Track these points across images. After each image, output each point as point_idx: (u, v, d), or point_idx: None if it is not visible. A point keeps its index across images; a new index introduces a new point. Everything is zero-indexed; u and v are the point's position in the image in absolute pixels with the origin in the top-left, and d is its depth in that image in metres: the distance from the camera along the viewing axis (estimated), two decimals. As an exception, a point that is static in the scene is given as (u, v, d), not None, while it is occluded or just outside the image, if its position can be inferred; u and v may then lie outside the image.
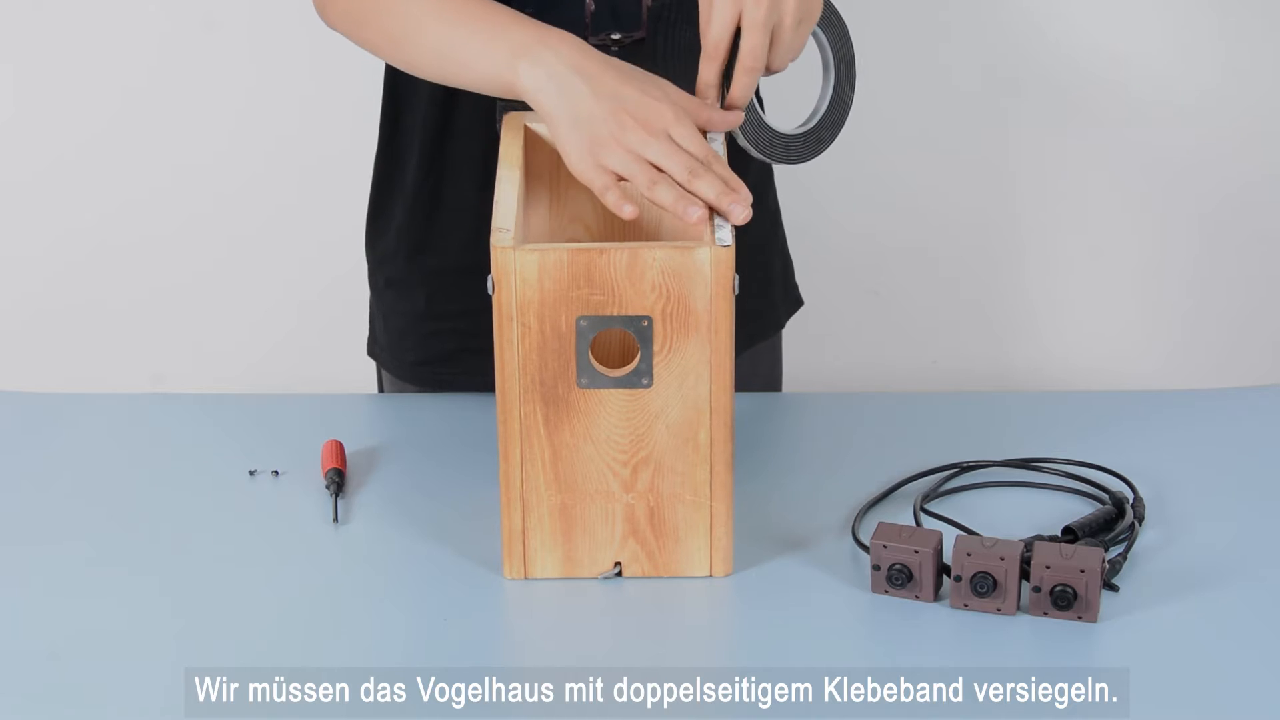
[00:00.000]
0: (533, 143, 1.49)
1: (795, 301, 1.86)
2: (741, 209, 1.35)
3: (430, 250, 1.72)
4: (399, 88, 1.69)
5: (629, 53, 1.58)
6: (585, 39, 1.56)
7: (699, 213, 1.34)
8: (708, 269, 1.31)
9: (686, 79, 1.55)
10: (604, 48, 1.57)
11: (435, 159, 1.68)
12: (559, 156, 1.51)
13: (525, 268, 1.31)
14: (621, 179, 1.37)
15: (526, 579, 1.41)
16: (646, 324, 1.33)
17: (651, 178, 1.36)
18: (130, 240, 2.73)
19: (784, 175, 1.83)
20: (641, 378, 1.34)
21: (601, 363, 1.36)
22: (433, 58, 1.47)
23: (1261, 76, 2.62)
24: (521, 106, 1.50)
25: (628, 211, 1.35)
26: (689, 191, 1.36)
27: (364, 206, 1.79)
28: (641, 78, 1.40)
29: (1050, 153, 2.68)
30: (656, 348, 1.34)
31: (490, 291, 1.32)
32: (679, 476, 1.38)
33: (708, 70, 1.43)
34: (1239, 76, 2.62)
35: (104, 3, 2.62)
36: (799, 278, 1.88)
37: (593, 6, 1.59)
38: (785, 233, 1.85)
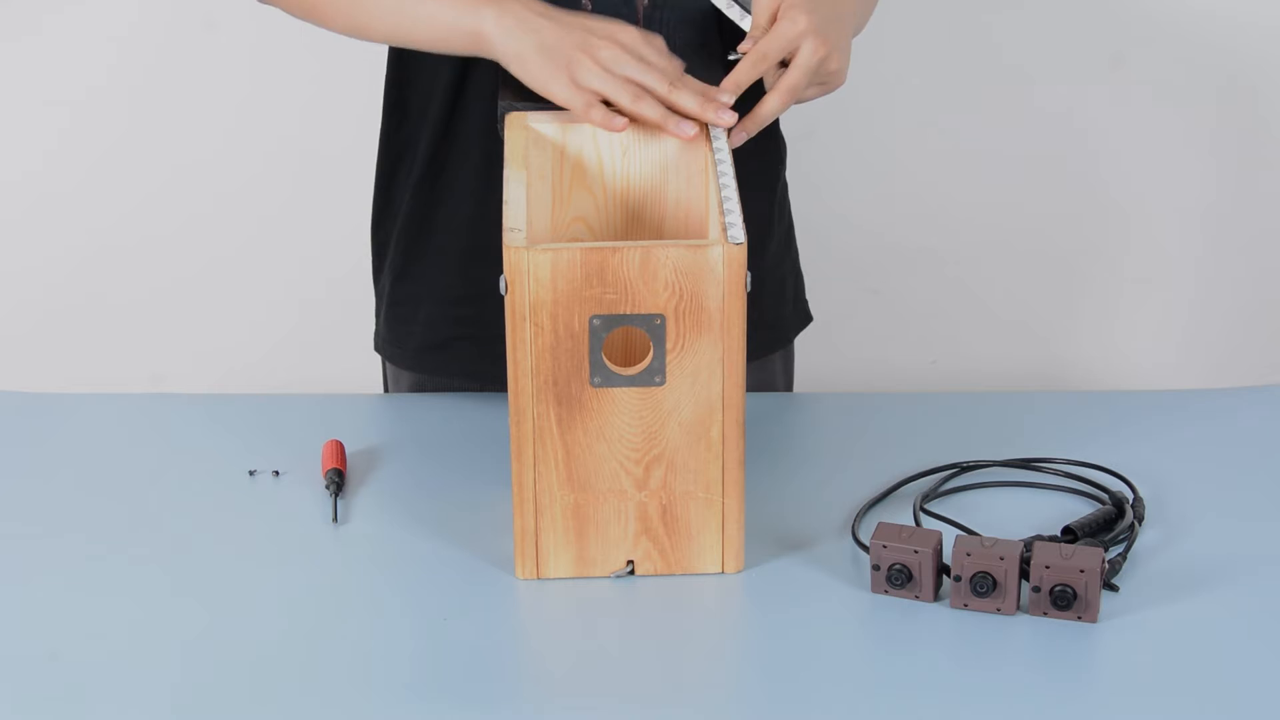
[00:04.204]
0: (535, 143, 1.50)
1: (805, 317, 1.87)
2: (727, 114, 1.44)
3: (432, 235, 1.72)
4: (406, 75, 1.70)
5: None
6: None
7: (692, 129, 1.44)
8: (720, 267, 1.32)
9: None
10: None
11: (441, 142, 1.68)
12: (561, 155, 1.51)
13: (538, 268, 1.31)
14: (604, 101, 1.44)
15: (539, 579, 1.41)
16: (659, 322, 1.33)
17: (633, 93, 1.43)
18: (130, 240, 2.73)
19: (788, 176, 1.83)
20: (654, 376, 1.35)
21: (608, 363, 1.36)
22: (390, 15, 1.52)
23: (1264, 75, 2.62)
24: (521, 106, 1.51)
25: (619, 124, 1.43)
26: (671, 106, 1.44)
27: (365, 205, 1.79)
28: (602, 17, 1.47)
29: (1052, 153, 2.68)
30: (669, 346, 1.34)
31: (503, 292, 1.32)
32: (691, 474, 1.38)
33: (747, 74, 1.49)
34: (1242, 76, 2.62)
35: (104, 4, 2.63)
36: (799, 280, 1.89)
37: (589, 7, 1.59)
38: (798, 248, 1.86)
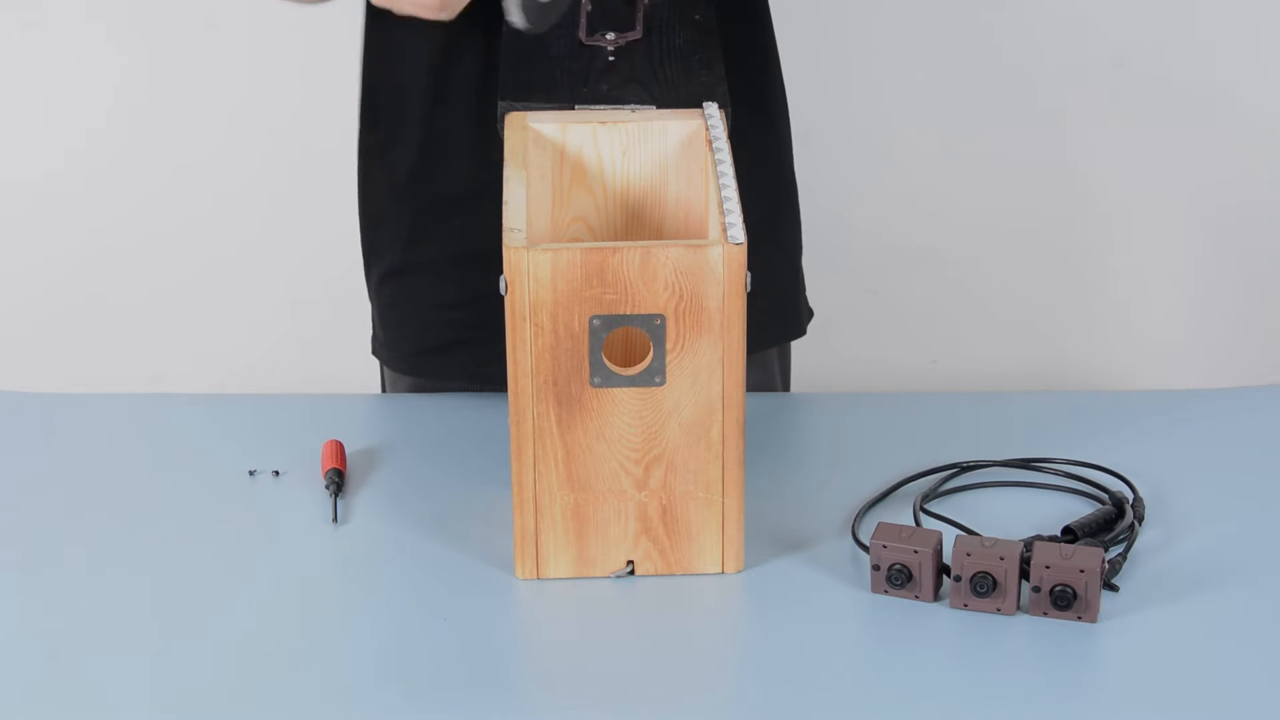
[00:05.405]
0: (535, 142, 1.50)
1: (809, 311, 1.88)
2: None
3: (425, 241, 1.72)
4: (378, 78, 1.69)
5: (624, 53, 1.58)
6: (581, 39, 1.56)
7: None
8: (720, 267, 1.32)
9: (682, 79, 1.55)
10: (599, 48, 1.58)
11: (426, 147, 1.68)
12: (561, 155, 1.52)
13: (538, 268, 1.31)
14: None
15: (539, 579, 1.41)
16: (659, 322, 1.33)
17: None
18: (130, 240, 2.73)
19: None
20: (654, 376, 1.35)
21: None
22: None
23: (1266, 77, 2.62)
24: (521, 105, 1.51)
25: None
26: None
27: (362, 207, 1.79)
28: None
29: (1051, 153, 2.68)
30: (669, 346, 1.34)
31: (503, 292, 1.33)
32: (691, 474, 1.38)
33: None
34: (1243, 77, 2.62)
35: (104, 3, 2.63)
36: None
37: (589, 7, 1.59)
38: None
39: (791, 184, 1.80)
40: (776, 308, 1.80)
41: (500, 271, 1.32)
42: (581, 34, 1.58)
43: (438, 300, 1.74)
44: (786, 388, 1.88)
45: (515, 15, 1.46)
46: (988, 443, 1.60)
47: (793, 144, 1.80)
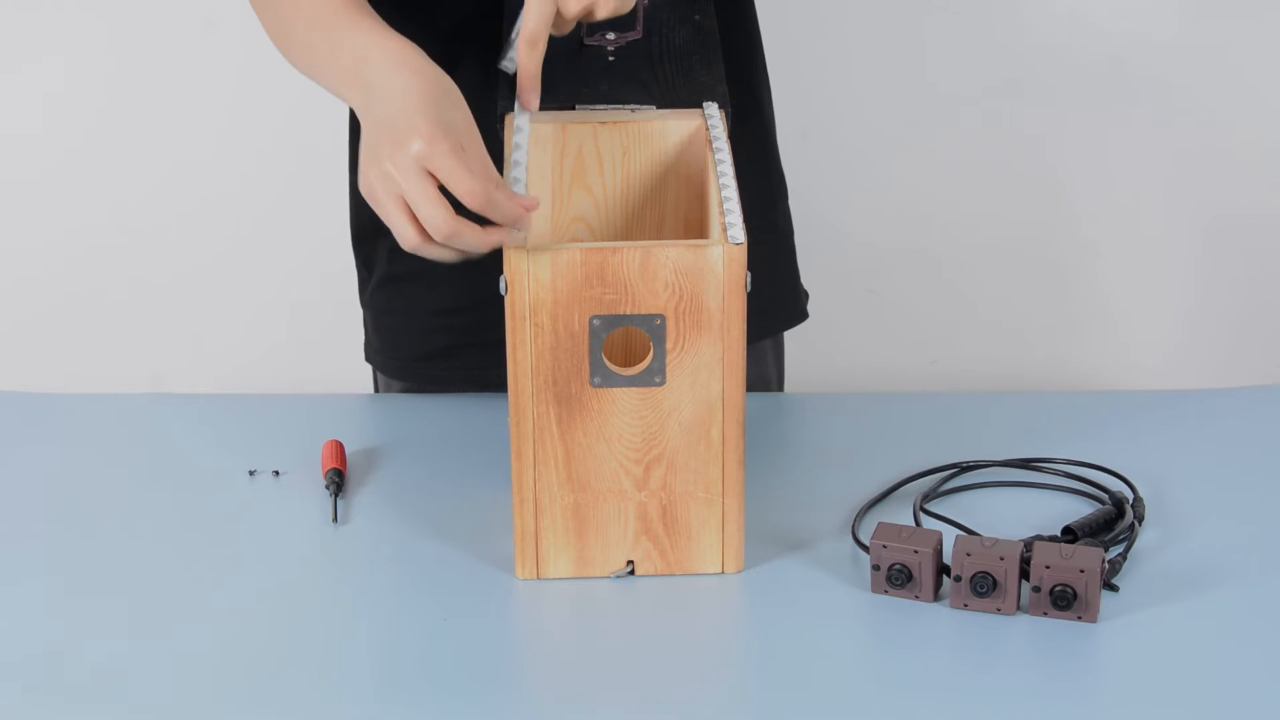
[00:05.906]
0: (535, 142, 1.50)
1: (805, 294, 1.88)
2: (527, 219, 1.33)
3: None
4: None
5: (624, 53, 1.58)
6: (581, 39, 1.56)
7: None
8: (720, 267, 1.32)
9: (682, 79, 1.55)
10: (600, 48, 1.58)
11: None
12: (561, 155, 1.51)
13: (539, 268, 1.31)
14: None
15: (539, 579, 1.41)
16: (659, 322, 1.33)
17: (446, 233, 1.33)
18: (130, 239, 2.73)
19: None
20: (654, 376, 1.35)
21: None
22: (302, 60, 1.48)
23: (1266, 76, 2.62)
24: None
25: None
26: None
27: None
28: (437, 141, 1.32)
29: (1049, 153, 2.68)
30: (669, 346, 1.34)
31: (503, 292, 1.33)
32: (691, 474, 1.38)
33: (530, 60, 1.44)
34: (1242, 76, 2.62)
35: (103, 2, 2.63)
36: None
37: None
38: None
39: (779, 171, 1.80)
40: (776, 295, 1.80)
41: (498, 274, 1.32)
42: (582, 34, 1.58)
43: (433, 306, 1.73)
44: (781, 378, 1.88)
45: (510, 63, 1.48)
46: (988, 443, 1.60)
47: (777, 132, 1.80)
